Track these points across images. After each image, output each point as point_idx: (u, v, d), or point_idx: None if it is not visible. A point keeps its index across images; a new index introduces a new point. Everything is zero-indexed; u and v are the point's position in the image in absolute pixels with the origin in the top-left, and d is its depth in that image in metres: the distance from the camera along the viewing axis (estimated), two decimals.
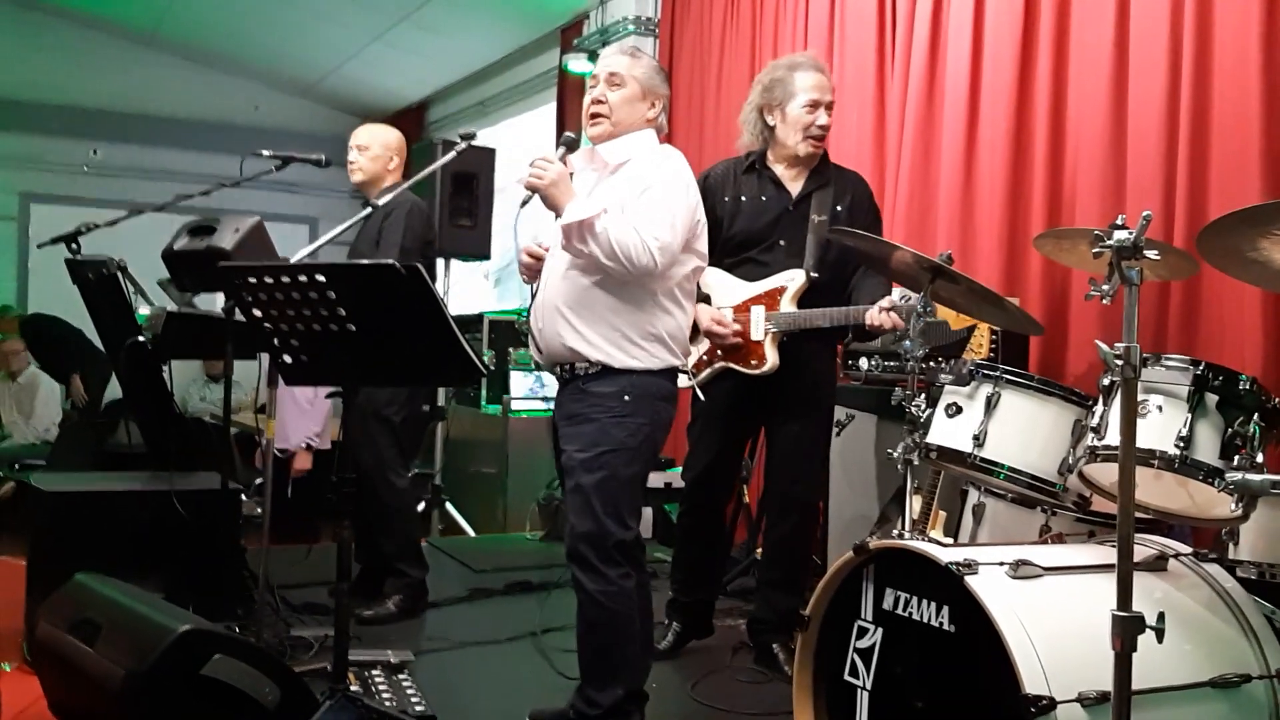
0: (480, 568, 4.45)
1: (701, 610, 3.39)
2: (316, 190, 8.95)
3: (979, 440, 2.42)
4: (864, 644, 2.23)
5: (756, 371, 3.11)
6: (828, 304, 3.07)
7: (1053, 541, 2.51)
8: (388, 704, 2.74)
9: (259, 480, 3.67)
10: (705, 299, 3.17)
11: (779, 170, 3.18)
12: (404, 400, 3.64)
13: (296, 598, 3.59)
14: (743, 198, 3.18)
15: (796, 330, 3.08)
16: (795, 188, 3.17)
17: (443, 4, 6.97)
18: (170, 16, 8.12)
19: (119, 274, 3.28)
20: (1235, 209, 1.92)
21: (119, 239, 3.30)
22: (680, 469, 3.72)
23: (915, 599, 2.13)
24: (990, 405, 2.43)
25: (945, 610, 2.06)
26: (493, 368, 5.70)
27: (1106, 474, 2.27)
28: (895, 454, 2.47)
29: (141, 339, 3.28)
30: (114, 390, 6.41)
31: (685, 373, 3.04)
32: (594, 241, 2.39)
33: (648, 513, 4.79)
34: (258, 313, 2.38)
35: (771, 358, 3.09)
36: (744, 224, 3.17)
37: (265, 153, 3.38)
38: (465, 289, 7.33)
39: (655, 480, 4.61)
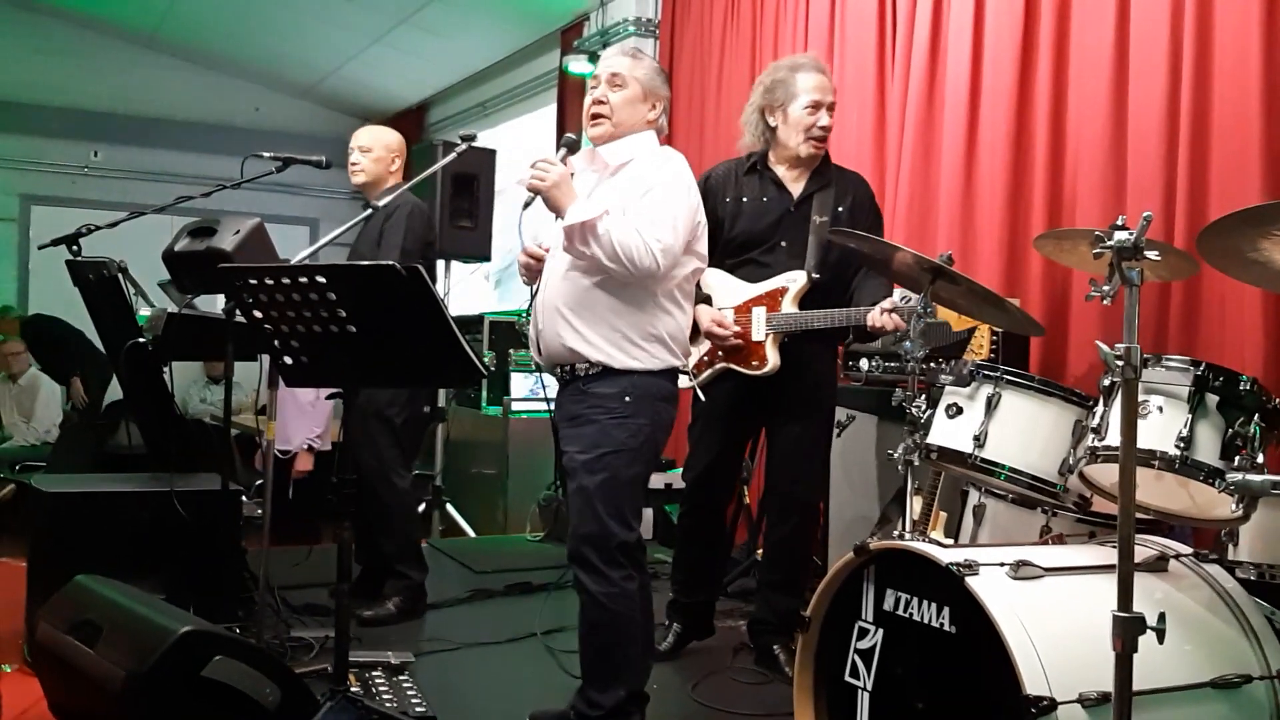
0: (481, 569, 4.45)
1: (702, 611, 3.39)
2: (317, 192, 8.96)
3: (979, 441, 2.42)
4: (865, 645, 2.23)
5: (757, 372, 3.11)
6: (829, 305, 3.06)
7: (1053, 542, 2.51)
8: (388, 705, 2.74)
9: (259, 481, 3.67)
10: (706, 300, 3.18)
11: (780, 171, 3.18)
12: (405, 401, 3.64)
13: (297, 599, 3.58)
14: (744, 199, 3.18)
15: (798, 331, 3.08)
16: (797, 189, 3.17)
17: (443, 6, 6.98)
18: (170, 18, 8.13)
19: (119, 275, 3.28)
20: (1235, 209, 1.92)
21: (119, 240, 3.30)
22: (681, 470, 3.72)
23: (916, 600, 2.13)
24: (991, 406, 2.43)
25: (946, 611, 2.05)
26: (493, 369, 5.70)
27: (1107, 475, 2.27)
28: (896, 455, 2.47)
29: (142, 340, 3.28)
30: (114, 391, 6.42)
31: (686, 373, 3.04)
32: (596, 243, 2.39)
33: (648, 513, 4.79)
34: (258, 314, 2.38)
35: (772, 359, 3.09)
36: (745, 225, 3.17)
37: (266, 154, 3.38)
38: (465, 290, 7.32)
39: (656, 481, 4.61)
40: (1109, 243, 1.77)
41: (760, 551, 3.81)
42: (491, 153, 5.74)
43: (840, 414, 3.70)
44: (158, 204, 3.68)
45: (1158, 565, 2.18)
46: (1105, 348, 1.83)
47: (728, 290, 3.18)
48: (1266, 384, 2.31)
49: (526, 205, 2.48)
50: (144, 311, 3.33)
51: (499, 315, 6.00)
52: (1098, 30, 3.46)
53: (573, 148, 2.58)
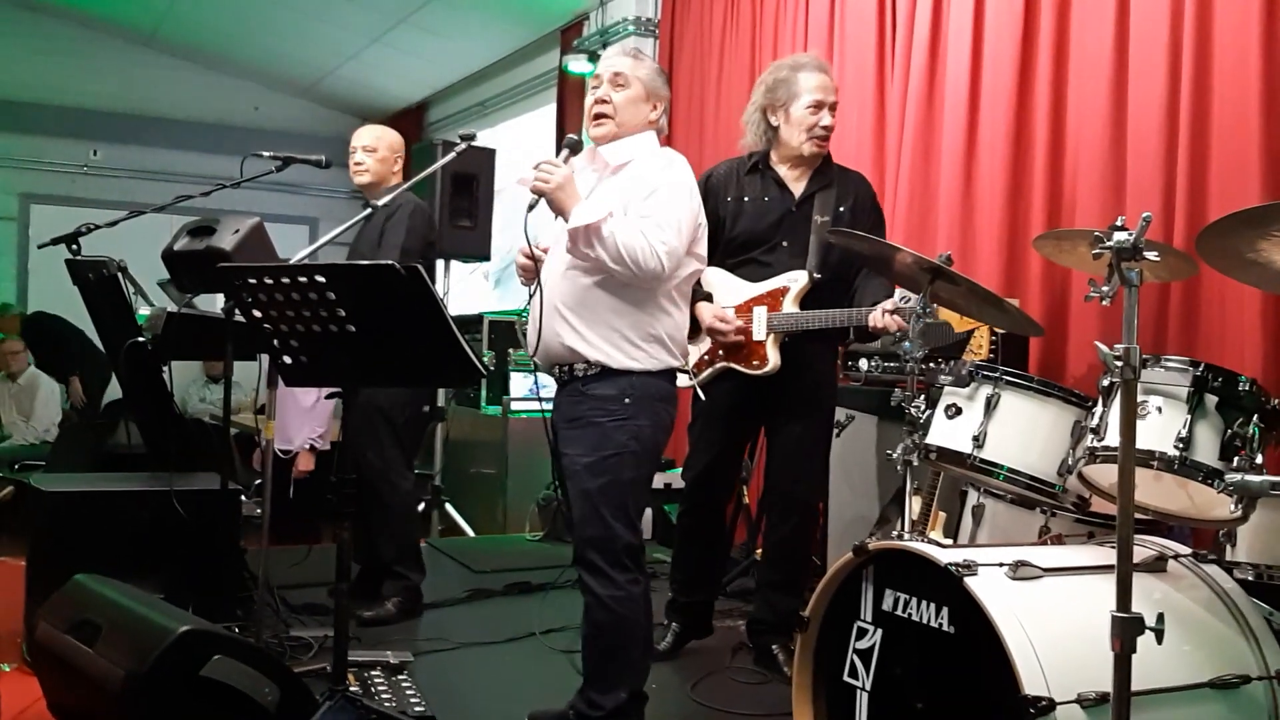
0: (480, 568, 4.45)
1: (701, 611, 3.39)
2: (316, 191, 8.96)
3: (978, 441, 2.42)
4: (863, 645, 2.24)
5: (758, 372, 3.11)
6: (830, 305, 3.06)
7: (1052, 542, 2.51)
8: (387, 705, 2.74)
9: (258, 481, 3.67)
10: (707, 299, 3.18)
11: (782, 171, 3.18)
12: (406, 401, 3.65)
13: (296, 598, 3.58)
14: (745, 198, 3.18)
15: (798, 331, 3.08)
16: (798, 188, 3.17)
17: (442, 5, 6.97)
18: (170, 17, 8.13)
19: (119, 275, 3.28)
20: (1235, 210, 1.92)
21: (119, 240, 3.30)
22: (680, 469, 3.72)
23: (915, 600, 2.13)
24: (990, 406, 2.43)
25: (945, 611, 2.06)
26: (492, 368, 5.70)
27: (1106, 475, 2.27)
28: (895, 455, 2.47)
29: (141, 339, 3.28)
30: (114, 391, 6.42)
31: (686, 372, 3.04)
32: (601, 246, 2.39)
33: (647, 513, 4.79)
34: (257, 313, 2.38)
35: (773, 358, 3.09)
36: (747, 224, 3.17)
37: (265, 154, 3.38)
38: (465, 289, 7.33)
39: (655, 481, 4.60)
40: (1108, 243, 1.77)
41: (759, 551, 3.81)
42: (491, 152, 5.74)
43: (840, 414, 3.70)
44: (157, 203, 3.68)
45: (1156, 566, 2.18)
46: (1104, 348, 1.83)
47: (729, 289, 3.18)
48: (1265, 384, 2.31)
49: (531, 208, 2.47)
50: (143, 311, 3.33)
51: (498, 315, 6.00)
52: (1098, 30, 3.46)
53: (575, 149, 2.57)
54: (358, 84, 8.90)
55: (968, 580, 1.95)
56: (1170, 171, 3.19)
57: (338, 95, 9.21)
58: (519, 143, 7.59)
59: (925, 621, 2.09)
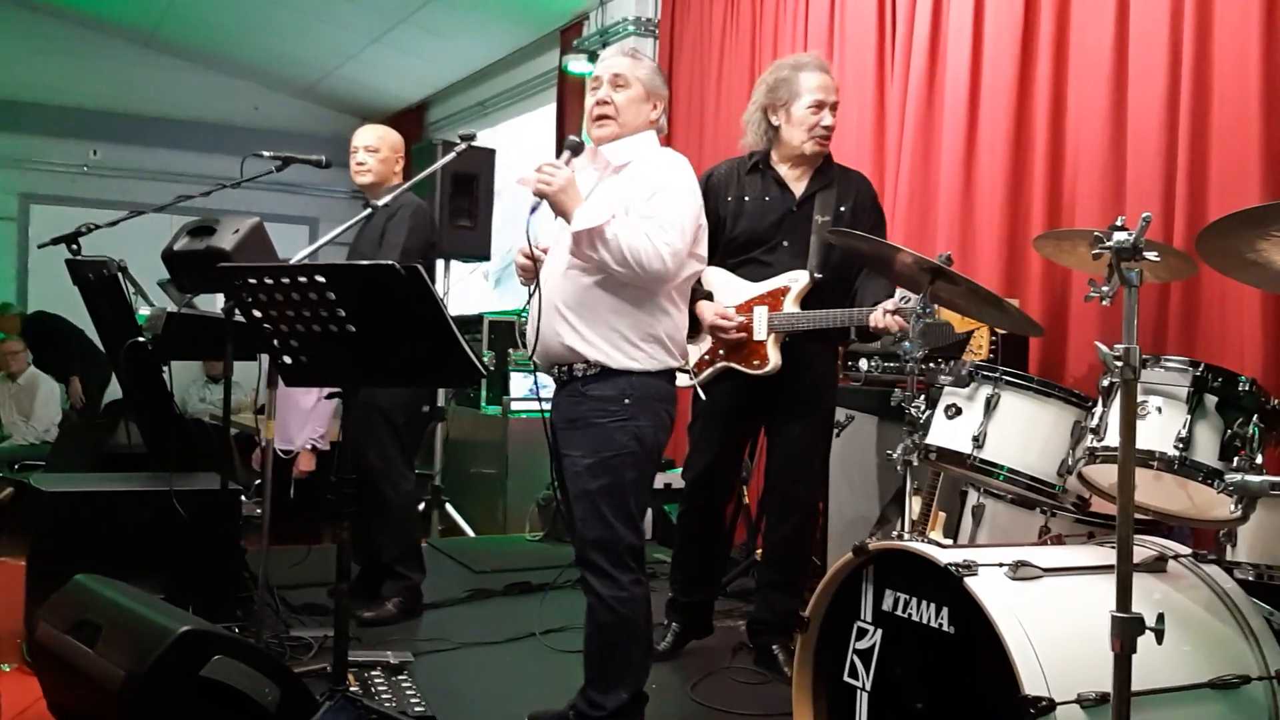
0: (480, 568, 4.45)
1: (701, 611, 3.39)
2: (316, 191, 8.96)
3: (978, 441, 2.42)
4: (863, 645, 2.24)
5: (758, 372, 3.11)
6: (831, 305, 3.06)
7: (1052, 543, 2.51)
8: (387, 705, 2.74)
9: (258, 481, 3.67)
10: (708, 298, 3.17)
11: (783, 170, 3.18)
12: (406, 401, 3.65)
13: (296, 598, 3.58)
14: (746, 198, 3.18)
15: (799, 331, 3.08)
16: (799, 188, 3.17)
17: (442, 5, 6.97)
18: (170, 17, 8.13)
19: (119, 274, 3.28)
20: (1235, 210, 1.92)
21: (119, 239, 3.30)
22: (680, 469, 3.72)
23: (915, 600, 2.13)
24: (990, 406, 2.43)
25: (945, 611, 2.06)
26: (492, 368, 5.70)
27: (1106, 475, 2.27)
28: (895, 455, 2.47)
29: (141, 339, 3.28)
30: (114, 391, 6.42)
31: (686, 372, 3.04)
32: (605, 248, 2.39)
33: (647, 513, 4.78)
34: (257, 313, 2.38)
35: (774, 358, 3.09)
36: (747, 224, 3.17)
37: (265, 154, 3.38)
38: (465, 289, 7.33)
39: (655, 481, 4.60)
40: (1108, 243, 1.77)
41: (759, 551, 3.81)
42: (491, 152, 5.74)
43: (840, 414, 3.70)
44: (157, 203, 3.68)
45: (1156, 566, 2.18)
46: (1104, 348, 1.83)
47: (730, 289, 3.18)
48: (1265, 385, 2.31)
49: (533, 209, 2.47)
50: (143, 311, 3.33)
51: (498, 315, 6.00)
52: (1097, 30, 3.46)
53: (576, 150, 2.57)
54: (358, 84, 8.90)
55: (968, 580, 1.95)
56: (1170, 171, 3.19)
57: (338, 95, 9.21)
58: (519, 143, 7.60)
59: (925, 622, 2.09)
